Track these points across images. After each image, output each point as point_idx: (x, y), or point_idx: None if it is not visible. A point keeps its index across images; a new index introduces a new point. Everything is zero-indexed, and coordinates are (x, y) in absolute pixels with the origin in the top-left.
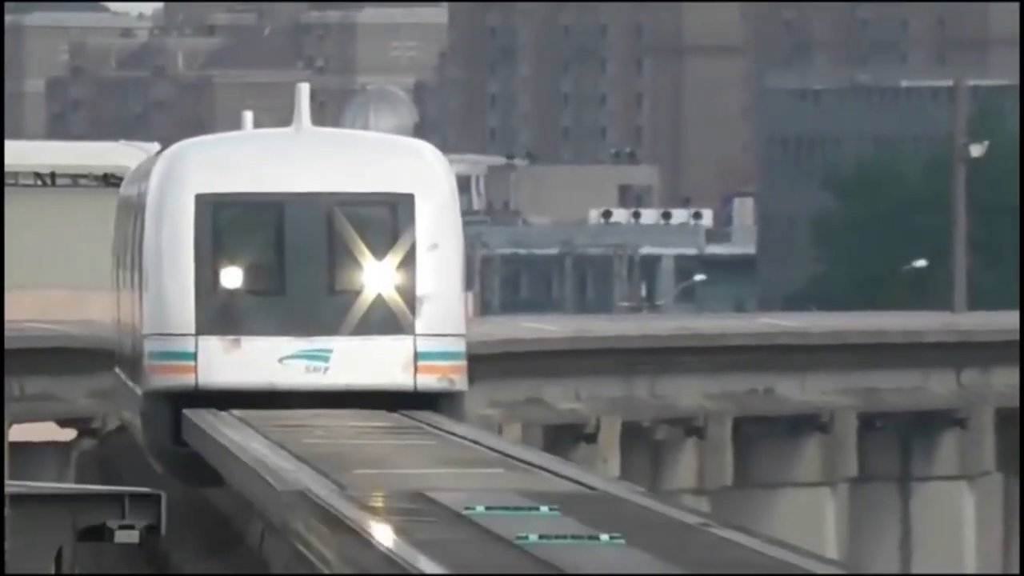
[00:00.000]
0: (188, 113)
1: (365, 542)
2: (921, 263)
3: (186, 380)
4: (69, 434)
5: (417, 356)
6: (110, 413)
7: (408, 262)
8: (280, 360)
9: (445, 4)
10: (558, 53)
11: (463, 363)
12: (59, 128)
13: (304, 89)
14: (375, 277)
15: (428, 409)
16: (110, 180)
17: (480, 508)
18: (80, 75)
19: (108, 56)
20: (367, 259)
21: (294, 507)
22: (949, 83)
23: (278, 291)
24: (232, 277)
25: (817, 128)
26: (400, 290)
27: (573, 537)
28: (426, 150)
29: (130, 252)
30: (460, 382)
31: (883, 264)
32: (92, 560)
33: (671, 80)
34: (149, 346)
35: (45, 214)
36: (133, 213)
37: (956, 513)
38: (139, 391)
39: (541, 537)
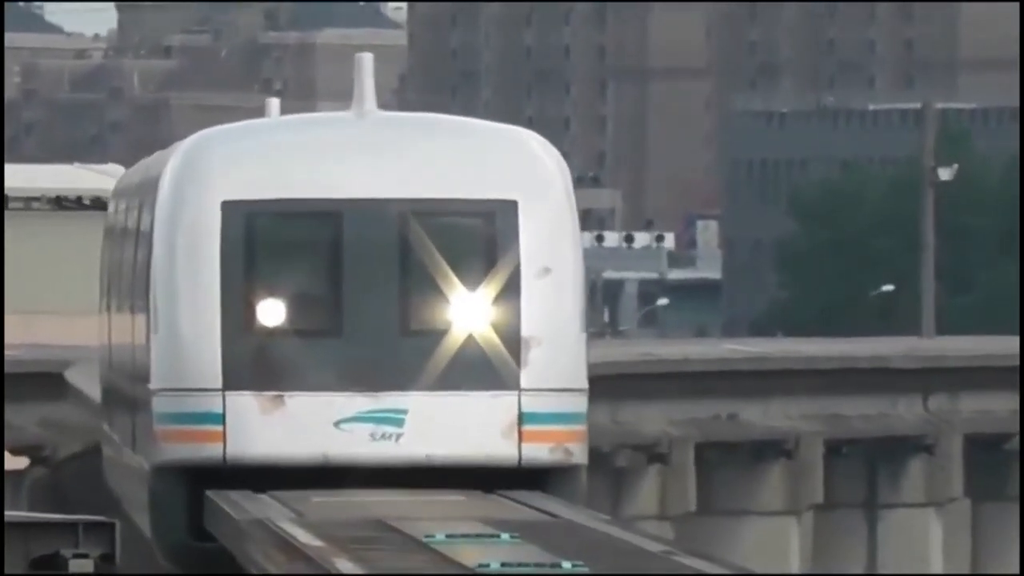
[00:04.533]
0: (144, 135)
1: (324, 572)
2: (888, 288)
3: (211, 451)
4: (21, 462)
5: (522, 419)
6: (61, 443)
7: (510, 292)
8: (336, 424)
9: (405, 26)
10: (520, 76)
11: (583, 428)
12: (11, 151)
13: (367, 61)
14: (465, 312)
15: (536, 489)
16: (63, 203)
17: (441, 536)
18: (33, 97)
19: (61, 78)
20: (454, 288)
21: (252, 535)
22: (917, 106)
23: (334, 331)
24: (272, 312)
25: (782, 151)
26: (499, 330)
27: (535, 565)
28: (533, 142)
29: (130, 280)
30: (579, 454)
31: (848, 289)
32: None
33: (635, 102)
34: (160, 405)
35: None
36: (134, 228)
37: (923, 540)
38: (145, 464)
39: (503, 565)
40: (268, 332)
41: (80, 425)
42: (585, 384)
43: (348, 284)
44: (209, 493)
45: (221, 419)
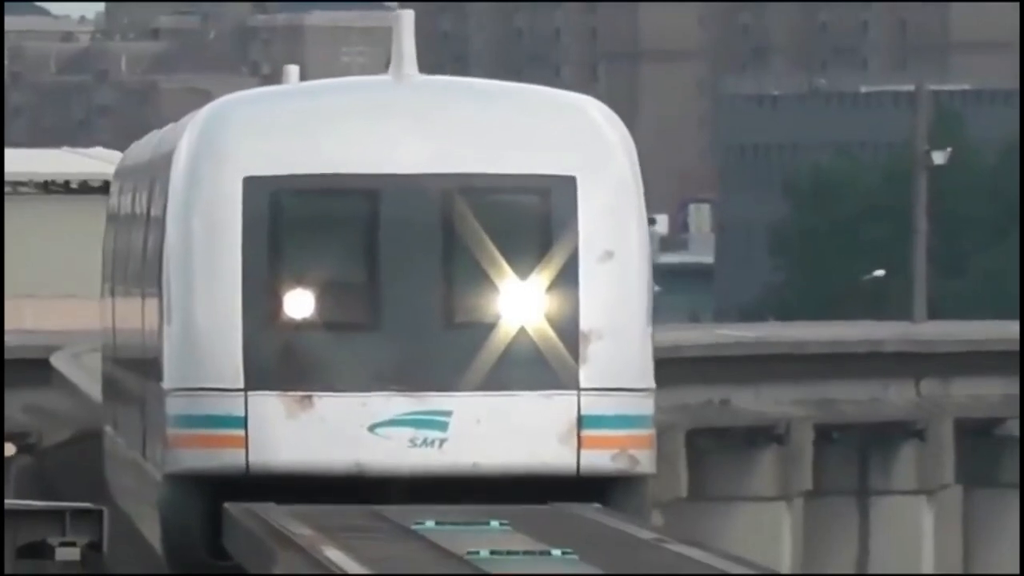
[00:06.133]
0: (131, 118)
1: (313, 560)
2: (880, 273)
3: (231, 458)
4: (8, 449)
5: (581, 422)
6: (47, 429)
7: (567, 280)
8: (371, 428)
9: (395, 7)
10: (512, 58)
11: (650, 433)
12: None
13: (407, 19)
14: (517, 303)
15: (596, 501)
16: (50, 187)
17: (430, 523)
18: (19, 81)
19: (48, 61)
20: (504, 275)
21: (242, 524)
22: (910, 88)
23: (370, 324)
24: (300, 303)
25: (775, 134)
26: (555, 322)
27: (525, 553)
28: (594, 110)
29: (139, 266)
30: (645, 462)
31: (841, 273)
32: None
33: (626, 85)
34: (174, 406)
35: None
36: (144, 209)
37: (915, 527)
38: (157, 473)
39: (492, 553)
40: (295, 325)
41: (66, 412)
42: (652, 383)
43: (385, 271)
44: (228, 506)
45: (243, 423)
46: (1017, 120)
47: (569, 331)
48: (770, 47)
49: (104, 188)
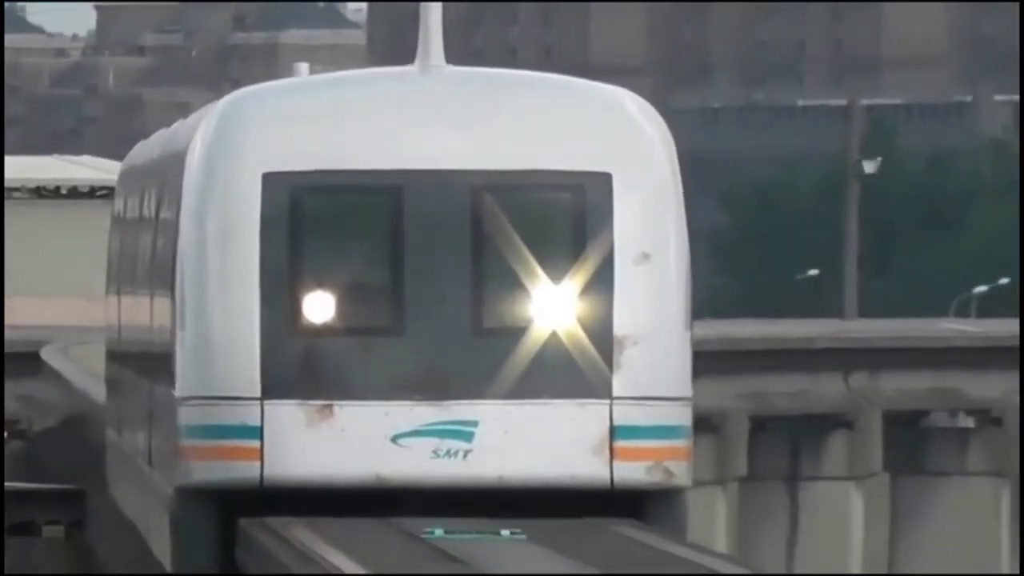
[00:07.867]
0: (118, 129)
1: (280, 538)
2: (814, 272)
3: (246, 471)
4: None
5: (614, 432)
6: (36, 417)
7: (601, 282)
8: (394, 439)
9: (364, 26)
10: None
11: (687, 444)
12: None
13: (435, 10)
14: (548, 307)
15: (631, 516)
16: (42, 192)
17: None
18: (14, 93)
19: (42, 75)
20: (536, 278)
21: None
22: (844, 102)
23: (393, 329)
24: (320, 307)
25: (716, 146)
26: (588, 327)
27: (476, 533)
28: (631, 103)
29: (149, 268)
30: (682, 474)
31: (776, 275)
32: (21, 556)
33: None
34: (186, 416)
35: None
36: (154, 208)
37: (843, 512)
38: (167, 486)
39: (446, 532)
40: (315, 330)
41: (54, 400)
42: (689, 391)
43: (410, 273)
44: (243, 522)
45: (258, 433)
46: (945, 133)
47: (602, 337)
48: (712, 63)
49: (91, 193)
